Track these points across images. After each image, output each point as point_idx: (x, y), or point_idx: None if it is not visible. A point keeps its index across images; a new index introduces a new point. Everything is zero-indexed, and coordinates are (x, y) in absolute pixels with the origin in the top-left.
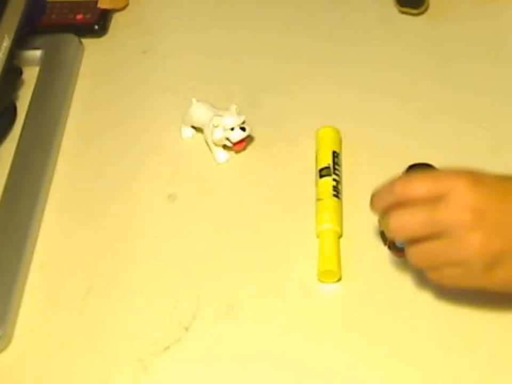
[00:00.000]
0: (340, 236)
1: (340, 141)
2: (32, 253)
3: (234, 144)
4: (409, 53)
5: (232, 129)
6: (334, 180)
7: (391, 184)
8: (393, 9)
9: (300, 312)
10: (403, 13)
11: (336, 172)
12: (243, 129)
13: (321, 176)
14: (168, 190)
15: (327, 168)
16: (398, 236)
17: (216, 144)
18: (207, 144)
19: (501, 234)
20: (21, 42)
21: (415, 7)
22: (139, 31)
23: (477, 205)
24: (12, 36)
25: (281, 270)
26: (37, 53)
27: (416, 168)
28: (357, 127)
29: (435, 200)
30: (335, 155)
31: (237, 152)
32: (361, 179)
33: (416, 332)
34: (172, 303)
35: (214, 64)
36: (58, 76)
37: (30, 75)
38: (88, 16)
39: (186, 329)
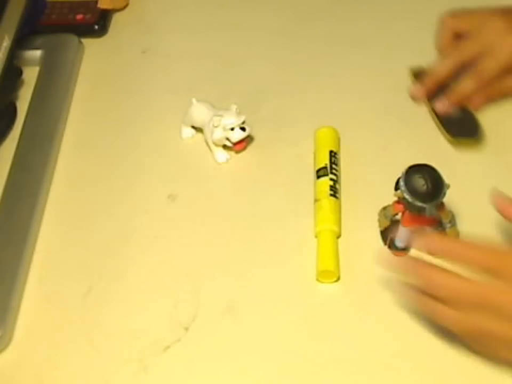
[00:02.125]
0: (338, 236)
1: (338, 141)
2: (32, 253)
3: (234, 144)
4: (408, 54)
5: (232, 129)
6: (331, 179)
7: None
8: (392, 10)
9: (299, 312)
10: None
11: (334, 171)
12: (243, 129)
13: (318, 177)
14: (168, 190)
15: (324, 168)
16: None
17: (216, 144)
18: (207, 144)
19: None
20: (21, 42)
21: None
22: (139, 31)
23: None
24: (12, 36)
25: (280, 269)
26: (37, 53)
27: (416, 169)
28: (356, 128)
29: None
30: (332, 154)
31: (237, 152)
32: (360, 179)
33: (415, 331)
34: (172, 303)
35: (214, 64)
36: (58, 76)
37: (30, 75)
38: (88, 16)
39: (186, 329)
